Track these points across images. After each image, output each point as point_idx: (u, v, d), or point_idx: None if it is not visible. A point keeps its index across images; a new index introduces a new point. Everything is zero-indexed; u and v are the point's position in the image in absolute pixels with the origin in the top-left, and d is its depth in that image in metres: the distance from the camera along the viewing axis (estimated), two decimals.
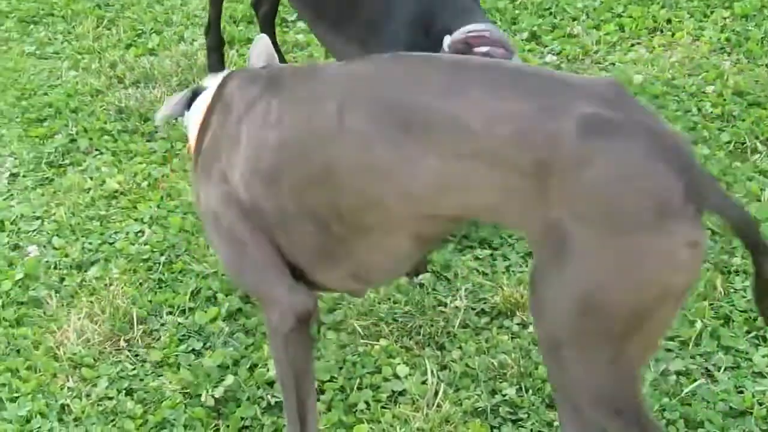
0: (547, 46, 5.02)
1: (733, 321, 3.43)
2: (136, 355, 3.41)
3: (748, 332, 3.39)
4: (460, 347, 3.36)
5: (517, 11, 5.31)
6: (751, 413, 3.07)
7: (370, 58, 2.69)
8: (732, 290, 3.56)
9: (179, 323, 3.50)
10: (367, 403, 3.17)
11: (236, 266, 2.76)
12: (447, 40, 3.48)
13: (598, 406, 2.37)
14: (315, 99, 2.53)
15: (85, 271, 3.76)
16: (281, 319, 2.68)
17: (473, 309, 3.51)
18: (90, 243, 3.89)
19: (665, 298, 2.23)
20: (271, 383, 3.22)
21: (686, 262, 2.21)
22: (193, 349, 3.41)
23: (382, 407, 3.16)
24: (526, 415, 3.11)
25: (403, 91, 2.41)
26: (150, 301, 3.59)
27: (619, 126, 2.22)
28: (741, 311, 3.47)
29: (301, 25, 5.23)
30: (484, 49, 3.42)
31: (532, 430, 3.07)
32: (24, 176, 4.30)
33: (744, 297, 3.52)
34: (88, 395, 3.26)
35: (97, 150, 4.44)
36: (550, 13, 5.30)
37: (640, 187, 2.19)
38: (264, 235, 2.65)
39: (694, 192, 2.18)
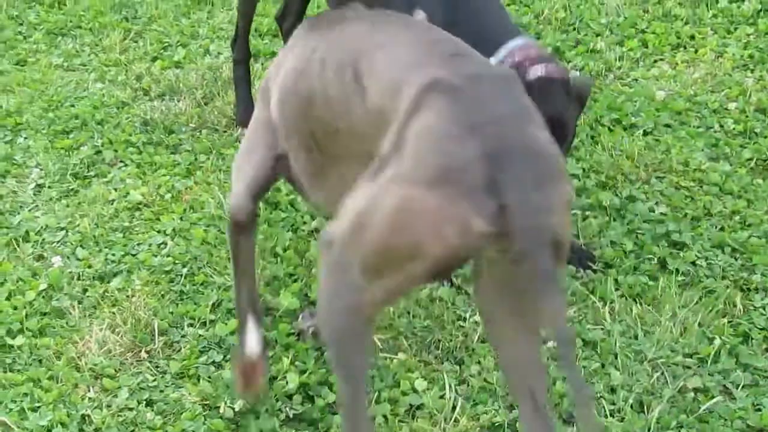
0: (570, 62, 5.04)
1: (752, 338, 3.44)
2: (157, 367, 3.44)
3: (767, 350, 3.40)
4: (479, 362, 3.37)
5: (541, 26, 5.33)
6: None
7: (363, 16, 2.97)
8: (752, 308, 3.57)
9: (200, 335, 3.53)
10: (384, 417, 3.18)
11: (237, 156, 3.29)
12: (501, 54, 3.54)
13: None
14: (319, 41, 2.90)
15: (108, 282, 3.78)
16: (228, 213, 3.23)
17: None
18: (113, 254, 3.92)
19: (414, 256, 2.32)
20: (290, 396, 3.25)
21: (447, 238, 2.27)
22: (213, 361, 3.43)
23: (400, 421, 3.17)
24: None
25: (360, 45, 2.74)
26: (171, 313, 3.62)
27: (461, 94, 2.37)
28: (760, 329, 3.48)
29: None
30: (539, 69, 3.49)
31: None
32: (49, 187, 4.33)
33: (764, 314, 3.54)
34: (108, 406, 3.28)
35: (121, 162, 4.47)
36: (574, 29, 5.31)
37: (443, 147, 2.30)
38: (271, 151, 3.09)
39: (499, 189, 2.22)
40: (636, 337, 3.45)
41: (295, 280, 3.71)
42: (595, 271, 3.72)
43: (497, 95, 2.41)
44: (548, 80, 3.48)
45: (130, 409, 3.26)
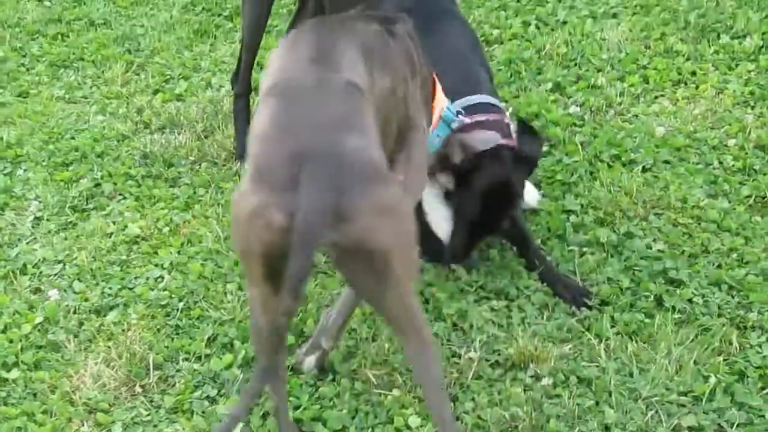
0: (570, 97, 5.04)
1: (748, 377, 3.43)
2: (151, 401, 3.44)
3: (763, 388, 3.39)
4: (473, 399, 3.37)
5: (542, 61, 5.33)
6: None
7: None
8: (748, 346, 3.56)
9: (195, 369, 3.52)
10: None
11: None
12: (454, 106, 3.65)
13: None
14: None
15: (104, 316, 3.79)
16: None
17: (487, 360, 3.52)
18: (110, 288, 3.92)
19: (249, 254, 2.52)
20: None
21: (260, 233, 2.44)
22: (208, 396, 3.43)
23: None
24: None
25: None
26: (167, 347, 3.62)
27: (289, 98, 2.60)
28: (756, 367, 3.46)
29: None
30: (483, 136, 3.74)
31: None
32: (48, 220, 4.34)
33: (759, 353, 3.52)
34: None
35: (120, 195, 4.48)
36: (576, 64, 5.32)
37: (261, 148, 2.53)
38: None
39: (297, 188, 2.37)
40: (631, 375, 3.44)
41: None
42: (590, 308, 3.71)
43: (322, 102, 2.60)
44: (493, 150, 3.74)
45: None
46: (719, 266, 3.90)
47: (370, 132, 2.60)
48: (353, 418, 3.31)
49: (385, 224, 2.49)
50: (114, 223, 4.28)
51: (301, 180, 2.38)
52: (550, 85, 5.12)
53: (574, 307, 3.72)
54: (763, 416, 3.28)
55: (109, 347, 3.62)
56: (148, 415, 3.39)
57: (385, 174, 2.55)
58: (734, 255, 3.96)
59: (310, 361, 3.46)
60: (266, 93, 2.69)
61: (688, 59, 5.31)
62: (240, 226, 2.52)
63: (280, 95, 2.63)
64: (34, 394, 3.47)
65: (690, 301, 3.73)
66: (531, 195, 4.19)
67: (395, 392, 3.39)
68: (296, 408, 3.33)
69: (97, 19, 6.07)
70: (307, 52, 2.77)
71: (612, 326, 3.63)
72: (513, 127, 3.92)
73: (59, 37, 5.92)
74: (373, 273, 2.57)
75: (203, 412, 3.36)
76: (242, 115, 4.67)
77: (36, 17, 6.08)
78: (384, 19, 3.15)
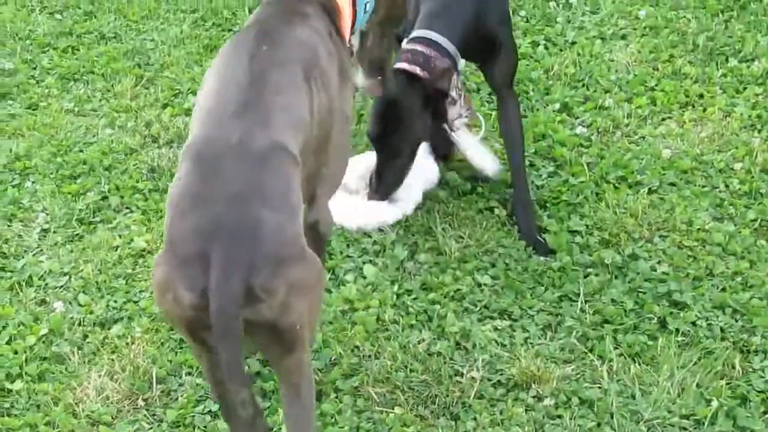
0: (578, 118, 5.05)
1: (750, 401, 3.43)
2: (154, 415, 3.45)
3: (765, 413, 3.39)
4: (475, 418, 3.38)
5: (550, 82, 5.34)
6: None
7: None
8: (750, 370, 3.56)
9: (197, 384, 3.53)
10: None
11: None
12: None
13: None
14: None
15: (109, 329, 3.80)
16: None
17: (489, 380, 3.52)
18: (115, 301, 3.93)
19: (171, 321, 2.53)
20: None
21: (172, 306, 2.38)
22: (210, 411, 3.43)
23: None
24: None
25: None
26: (170, 361, 3.63)
27: (203, 164, 2.47)
28: (759, 391, 3.47)
29: None
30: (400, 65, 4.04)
31: None
32: (55, 232, 4.35)
33: (762, 377, 3.52)
34: None
35: (127, 208, 4.49)
36: (583, 85, 5.32)
37: (171, 218, 2.42)
38: None
39: (207, 266, 2.30)
40: (633, 397, 3.45)
41: None
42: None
43: (239, 169, 2.44)
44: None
45: None
46: (723, 289, 3.90)
47: (290, 203, 2.48)
48: None
49: (298, 302, 2.43)
50: (120, 236, 4.29)
51: (211, 257, 2.30)
52: (557, 105, 5.13)
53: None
54: None
55: (112, 360, 3.63)
56: (150, 428, 3.40)
57: (300, 250, 2.46)
58: (739, 278, 3.96)
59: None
60: (183, 153, 2.55)
61: (695, 82, 5.32)
62: (155, 293, 2.47)
63: (196, 159, 2.50)
64: (38, 406, 3.48)
65: (693, 323, 3.74)
66: (488, 161, 4.42)
67: (397, 410, 3.39)
68: None
69: (108, 32, 6.08)
70: (234, 93, 2.62)
71: (615, 347, 3.64)
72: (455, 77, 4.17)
73: (70, 50, 5.93)
74: (282, 343, 2.52)
75: (205, 427, 3.37)
76: None
77: (47, 30, 6.10)
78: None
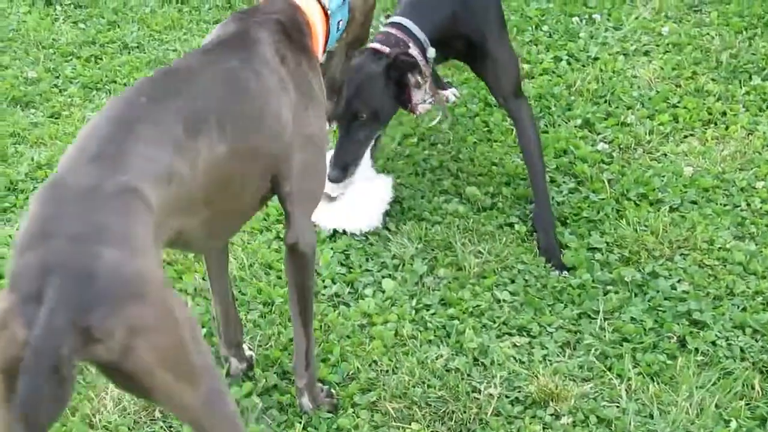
0: (599, 134, 5.04)
1: None
2: (171, 426, 3.44)
3: None
4: None
5: (572, 97, 5.34)
6: None
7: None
8: None
9: None
10: None
11: None
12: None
13: None
14: None
15: None
16: None
17: (507, 397, 3.51)
18: None
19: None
20: None
21: (2, 340, 2.24)
22: None
23: None
24: None
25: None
26: None
27: (50, 204, 2.39)
28: None
29: None
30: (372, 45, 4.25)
31: None
32: None
33: None
34: None
35: None
36: (605, 101, 5.32)
37: (15, 255, 2.32)
38: None
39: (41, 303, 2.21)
40: (651, 417, 3.43)
41: None
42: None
43: (85, 211, 2.37)
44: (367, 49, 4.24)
45: None
46: (744, 309, 3.89)
47: (132, 243, 2.37)
48: None
49: (142, 345, 2.29)
50: None
51: (45, 293, 2.22)
52: (579, 121, 5.12)
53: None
54: None
55: None
56: None
57: (144, 289, 2.33)
58: (759, 298, 3.94)
59: (306, 402, 3.45)
60: (32, 196, 2.52)
61: (718, 99, 5.30)
62: None
63: (42, 201, 2.42)
64: None
65: (713, 343, 3.72)
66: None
67: (414, 426, 3.38)
68: None
69: (131, 42, 6.10)
70: (96, 141, 2.54)
71: (634, 366, 3.62)
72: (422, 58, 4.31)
73: (93, 59, 5.95)
74: (139, 389, 2.41)
75: None
76: None
77: (70, 39, 6.12)
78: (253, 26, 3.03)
